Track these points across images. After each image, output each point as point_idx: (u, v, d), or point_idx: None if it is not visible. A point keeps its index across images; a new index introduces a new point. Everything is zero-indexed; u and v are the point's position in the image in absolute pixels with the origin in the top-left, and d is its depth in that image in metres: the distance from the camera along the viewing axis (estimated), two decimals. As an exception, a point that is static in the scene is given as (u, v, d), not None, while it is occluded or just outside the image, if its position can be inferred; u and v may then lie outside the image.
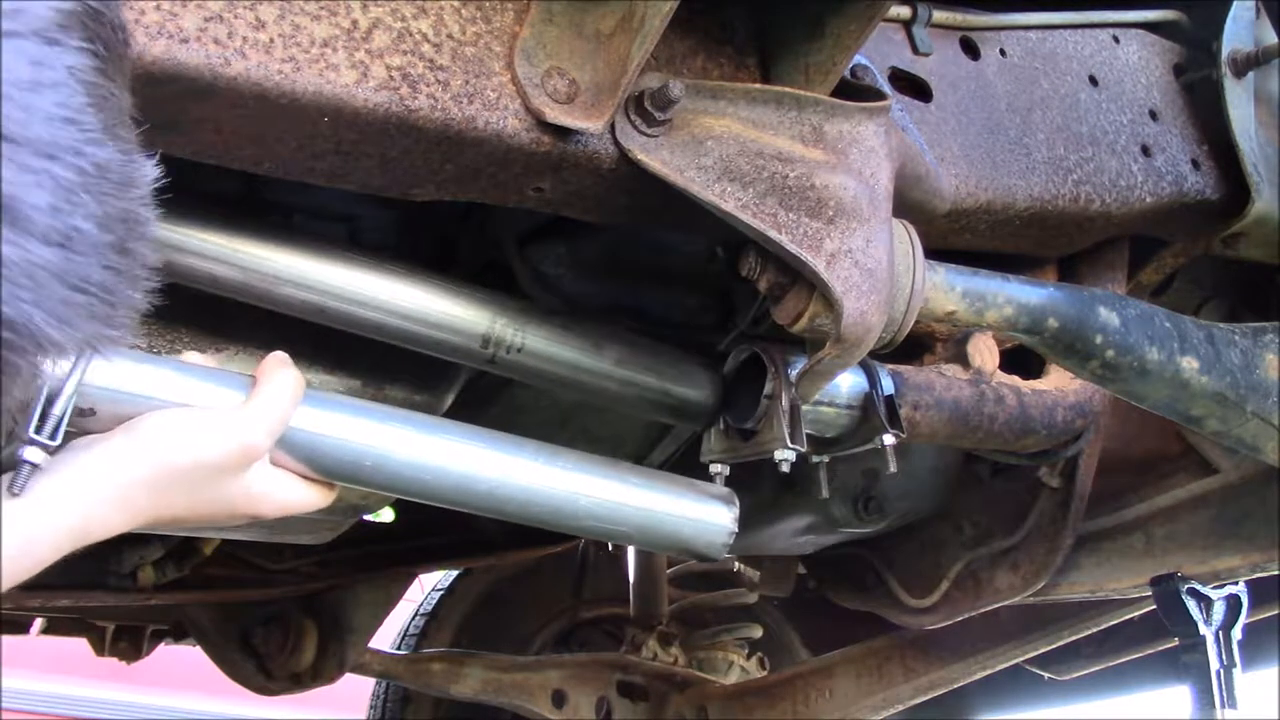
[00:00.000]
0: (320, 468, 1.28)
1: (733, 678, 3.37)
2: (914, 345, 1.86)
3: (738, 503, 1.54)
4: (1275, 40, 1.94)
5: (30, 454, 1.07)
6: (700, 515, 1.51)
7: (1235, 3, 1.92)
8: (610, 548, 3.32)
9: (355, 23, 1.15)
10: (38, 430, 1.07)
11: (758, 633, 3.50)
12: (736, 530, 1.52)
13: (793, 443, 1.52)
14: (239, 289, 1.40)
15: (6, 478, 1.06)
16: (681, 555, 1.57)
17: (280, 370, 1.18)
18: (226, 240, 1.37)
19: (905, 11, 1.68)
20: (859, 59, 1.54)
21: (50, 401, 1.08)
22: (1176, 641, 2.07)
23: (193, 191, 1.38)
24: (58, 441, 1.08)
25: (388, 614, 3.01)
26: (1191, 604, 2.02)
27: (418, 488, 1.34)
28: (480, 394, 1.92)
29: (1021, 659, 2.56)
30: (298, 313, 1.45)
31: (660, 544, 1.53)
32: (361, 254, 1.49)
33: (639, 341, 1.68)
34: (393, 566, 2.87)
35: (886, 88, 1.57)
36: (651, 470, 1.58)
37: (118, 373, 1.15)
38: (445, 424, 1.40)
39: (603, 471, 1.46)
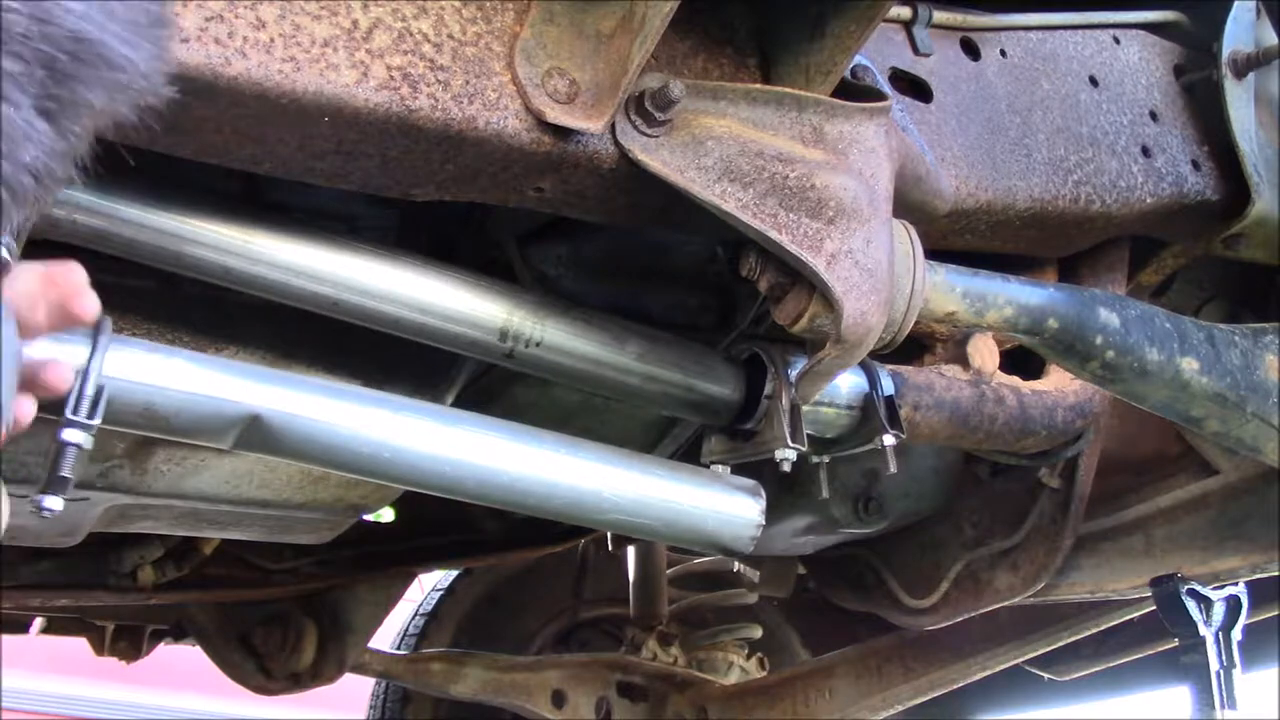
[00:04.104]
0: (337, 460, 1.27)
1: (733, 678, 3.38)
2: (914, 346, 1.86)
3: (764, 494, 1.52)
4: (1276, 41, 1.94)
5: (71, 435, 1.08)
6: (726, 508, 1.48)
7: (1236, 3, 1.92)
8: (610, 547, 3.32)
9: (356, 23, 1.15)
10: (74, 411, 1.08)
11: (758, 633, 3.50)
12: (764, 523, 1.50)
13: (793, 442, 1.52)
14: (251, 282, 1.38)
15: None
16: (708, 550, 1.55)
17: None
18: (239, 233, 1.35)
19: (906, 12, 1.68)
20: (859, 59, 1.54)
21: (82, 383, 1.10)
22: (1176, 642, 2.07)
23: (202, 185, 1.37)
24: (97, 420, 1.10)
25: (388, 614, 3.01)
26: (1191, 605, 2.02)
27: (437, 480, 1.33)
28: (481, 392, 1.92)
29: (1021, 659, 2.56)
30: (311, 306, 1.42)
31: (685, 538, 1.50)
32: (376, 247, 1.45)
33: (660, 336, 1.64)
34: (393, 566, 2.86)
35: (887, 88, 1.57)
36: (675, 462, 1.55)
37: (129, 362, 1.15)
38: (463, 415, 1.38)
39: (626, 463, 1.44)
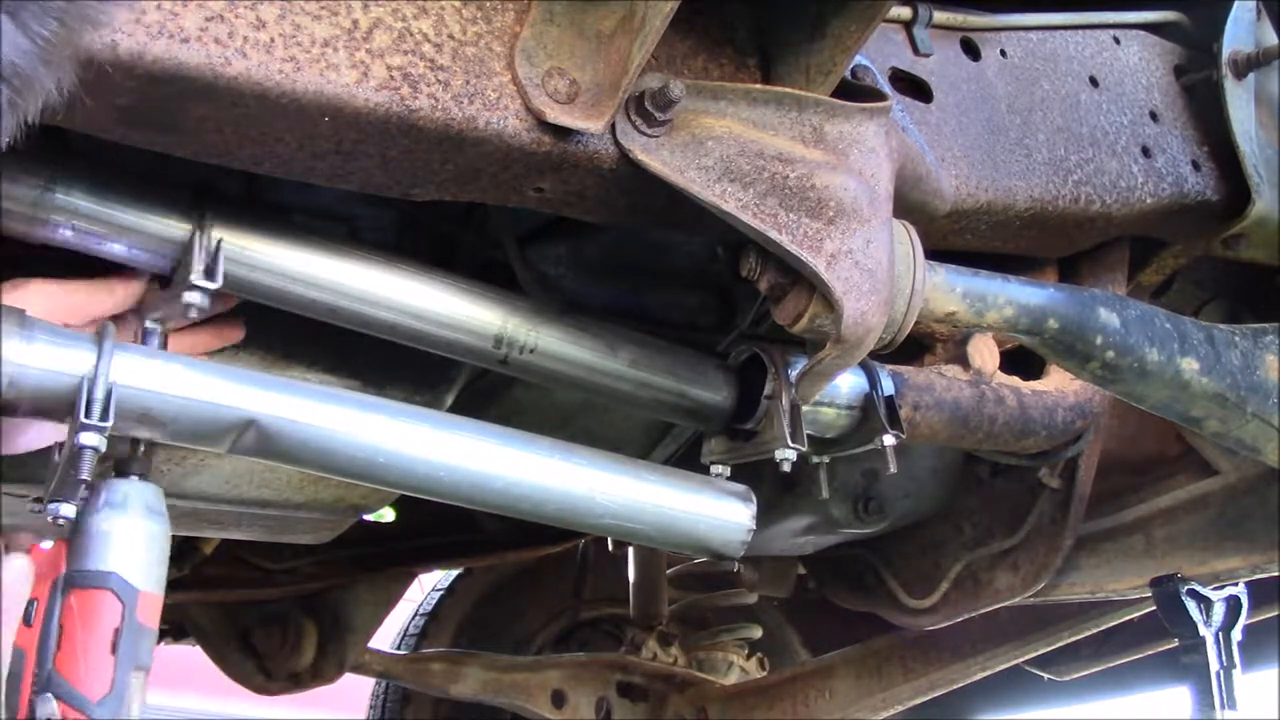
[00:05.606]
0: (333, 465, 1.28)
1: (733, 678, 3.38)
2: (914, 346, 1.86)
3: (755, 500, 1.53)
4: (1276, 41, 1.94)
5: (87, 439, 1.10)
6: (717, 513, 1.49)
7: (1236, 4, 1.92)
8: (610, 547, 3.32)
9: (356, 22, 1.15)
10: (87, 415, 1.09)
11: (758, 633, 3.50)
12: (754, 528, 1.51)
13: (793, 442, 1.52)
14: (248, 288, 1.38)
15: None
16: (698, 554, 1.56)
17: None
18: (236, 239, 1.35)
19: (906, 12, 1.68)
20: (860, 59, 1.54)
21: (91, 387, 1.11)
22: (1176, 642, 2.07)
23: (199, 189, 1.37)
24: (110, 422, 1.11)
25: (388, 614, 3.01)
26: (1191, 605, 2.02)
27: (431, 485, 1.33)
28: (481, 394, 1.92)
29: (1021, 659, 2.56)
30: (308, 312, 1.43)
31: (677, 543, 1.51)
32: (373, 253, 1.46)
33: (653, 342, 1.65)
34: (393, 566, 2.87)
35: (887, 88, 1.57)
36: (667, 468, 1.57)
37: (126, 367, 1.16)
38: (458, 420, 1.39)
39: (618, 469, 1.45)
